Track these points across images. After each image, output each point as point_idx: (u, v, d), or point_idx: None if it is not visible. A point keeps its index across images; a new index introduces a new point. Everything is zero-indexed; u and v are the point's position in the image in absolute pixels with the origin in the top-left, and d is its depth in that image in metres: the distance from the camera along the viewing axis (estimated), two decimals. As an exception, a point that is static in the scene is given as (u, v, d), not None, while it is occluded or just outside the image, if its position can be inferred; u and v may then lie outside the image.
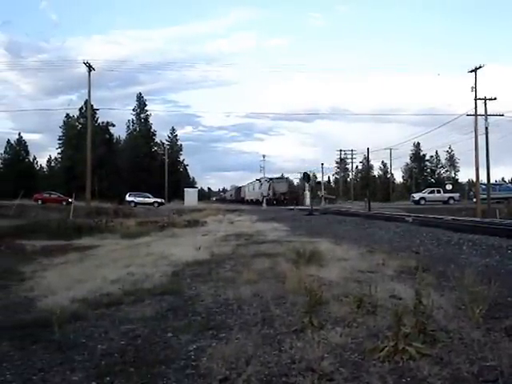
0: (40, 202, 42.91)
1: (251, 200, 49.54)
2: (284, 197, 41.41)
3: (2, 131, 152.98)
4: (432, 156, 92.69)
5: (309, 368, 3.29)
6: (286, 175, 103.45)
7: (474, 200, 45.94)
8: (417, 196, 48.42)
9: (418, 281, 4.46)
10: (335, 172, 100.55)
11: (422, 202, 45.06)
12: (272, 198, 41.72)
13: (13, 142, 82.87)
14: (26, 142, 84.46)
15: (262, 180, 49.37)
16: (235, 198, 61.67)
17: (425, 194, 48.29)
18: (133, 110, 79.60)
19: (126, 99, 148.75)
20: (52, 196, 46.10)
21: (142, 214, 30.58)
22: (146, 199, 47.53)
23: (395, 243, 11.44)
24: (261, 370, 3.31)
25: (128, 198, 46.90)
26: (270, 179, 47.22)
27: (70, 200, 35.47)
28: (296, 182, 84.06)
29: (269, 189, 44.26)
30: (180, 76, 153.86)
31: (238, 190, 63.88)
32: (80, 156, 52.20)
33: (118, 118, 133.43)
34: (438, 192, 48.08)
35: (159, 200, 48.99)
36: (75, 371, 3.42)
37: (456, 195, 47.86)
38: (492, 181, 41.37)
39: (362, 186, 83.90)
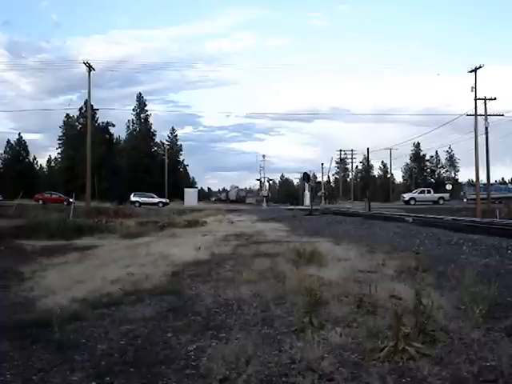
0: (41, 201, 43.06)
1: (232, 200, 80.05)
2: (243, 197, 77.31)
3: (2, 131, 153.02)
4: (432, 156, 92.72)
5: (309, 368, 3.29)
6: (286, 175, 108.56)
7: (465, 200, 46.11)
8: (407, 196, 48.75)
9: (418, 281, 4.47)
10: (335, 172, 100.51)
11: (412, 202, 45.36)
12: (238, 199, 77.27)
13: (13, 142, 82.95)
14: (25, 142, 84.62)
15: (234, 188, 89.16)
16: (226, 199, 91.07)
17: (415, 194, 48.76)
18: (133, 109, 79.70)
19: (126, 99, 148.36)
20: (53, 196, 46.27)
21: (142, 214, 30.53)
22: (151, 199, 47.55)
23: (395, 243, 11.44)
24: (261, 370, 3.31)
25: (133, 198, 46.96)
26: (237, 188, 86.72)
27: (70, 200, 35.47)
28: (296, 182, 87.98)
29: (237, 193, 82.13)
30: (180, 76, 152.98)
31: (227, 193, 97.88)
32: (80, 156, 52.15)
33: (118, 118, 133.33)
34: (429, 192, 48.75)
35: (164, 200, 49.09)
36: (75, 371, 3.42)
37: (446, 195, 48.26)
38: (492, 181, 41.40)
39: (361, 186, 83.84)
